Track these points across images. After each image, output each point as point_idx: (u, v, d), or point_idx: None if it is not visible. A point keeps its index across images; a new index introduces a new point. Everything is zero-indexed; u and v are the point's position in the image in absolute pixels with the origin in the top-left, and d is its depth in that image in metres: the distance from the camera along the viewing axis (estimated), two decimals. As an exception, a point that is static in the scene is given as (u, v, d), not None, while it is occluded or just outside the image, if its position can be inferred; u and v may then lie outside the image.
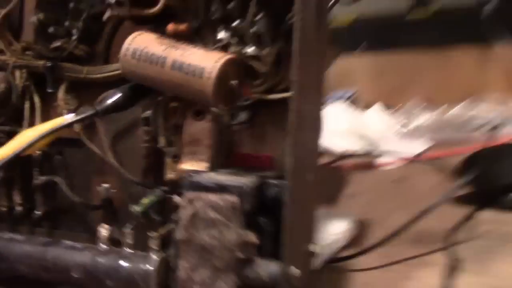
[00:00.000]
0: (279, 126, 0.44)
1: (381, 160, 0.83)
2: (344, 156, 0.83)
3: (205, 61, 0.38)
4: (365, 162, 0.83)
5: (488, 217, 0.60)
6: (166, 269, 0.40)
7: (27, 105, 0.49)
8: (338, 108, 0.94)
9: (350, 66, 1.10)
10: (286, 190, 0.36)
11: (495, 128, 0.67)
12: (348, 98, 1.08)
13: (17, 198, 0.51)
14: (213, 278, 0.35)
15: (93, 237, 0.47)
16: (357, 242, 0.56)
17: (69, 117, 0.44)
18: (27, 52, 0.49)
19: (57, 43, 0.47)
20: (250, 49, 0.41)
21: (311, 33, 0.37)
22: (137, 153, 0.47)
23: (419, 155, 0.83)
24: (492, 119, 0.89)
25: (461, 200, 0.65)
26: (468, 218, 0.60)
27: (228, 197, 0.35)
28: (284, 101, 0.42)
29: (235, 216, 0.35)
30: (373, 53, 1.13)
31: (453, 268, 0.49)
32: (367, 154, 0.84)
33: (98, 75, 0.47)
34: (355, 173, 0.80)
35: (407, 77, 1.09)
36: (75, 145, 0.49)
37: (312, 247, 0.41)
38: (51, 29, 0.47)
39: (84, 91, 0.48)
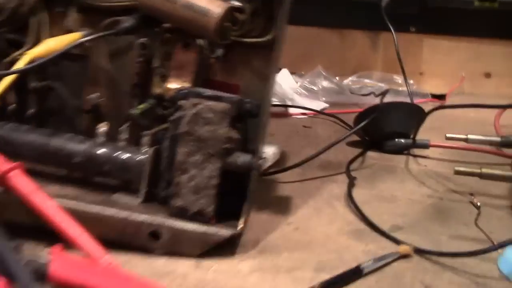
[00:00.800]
0: (246, 63, 0.58)
1: (291, 111, 1.01)
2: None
3: (210, 5, 0.51)
4: (279, 111, 1.01)
5: (373, 155, 0.80)
6: (158, 159, 0.53)
7: (35, 20, 0.58)
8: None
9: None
10: (259, 106, 0.51)
11: (383, 93, 0.87)
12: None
13: (11, 97, 0.59)
14: (204, 161, 0.49)
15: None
16: (279, 165, 0.73)
17: (83, 33, 0.54)
18: (38, -26, 0.57)
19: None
20: (236, 2, 0.55)
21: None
22: (129, 71, 0.58)
23: (321, 110, 1.02)
24: (376, 90, 1.11)
25: (354, 144, 0.84)
26: (359, 155, 0.79)
27: (222, 104, 0.49)
28: (252, 45, 0.57)
29: (225, 118, 0.49)
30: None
31: (351, 184, 0.67)
32: (281, 105, 1.01)
33: (106, 3, 0.57)
34: (272, 119, 0.97)
35: (311, 48, 1.27)
36: (70, 58, 0.59)
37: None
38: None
39: (88, 16, 0.58)
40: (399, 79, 1.14)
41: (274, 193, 0.65)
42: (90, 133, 0.57)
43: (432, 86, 1.24)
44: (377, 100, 0.91)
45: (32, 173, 0.52)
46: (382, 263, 0.49)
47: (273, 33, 0.55)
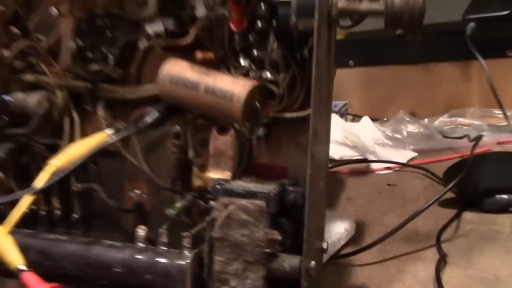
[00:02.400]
0: (292, 140, 0.51)
1: (373, 167, 0.90)
2: (341, 163, 0.91)
3: (234, 86, 0.44)
4: (360, 168, 0.91)
5: (470, 217, 0.68)
6: (199, 263, 0.47)
7: (67, 121, 0.55)
8: (332, 119, 1.01)
9: (341, 79, 1.18)
10: (305, 195, 0.43)
11: (477, 138, 0.75)
12: (340, 109, 1.15)
13: (55, 203, 0.57)
14: (244, 270, 0.42)
15: (125, 239, 0.53)
16: (356, 241, 0.63)
17: (109, 132, 0.51)
18: (66, 74, 0.55)
19: (95, 67, 0.54)
20: (268, 75, 0.49)
21: (324, 65, 0.43)
22: (166, 163, 0.53)
23: (407, 162, 0.90)
24: (472, 130, 0.97)
25: (447, 203, 0.72)
26: (454, 219, 0.67)
27: (256, 201, 0.42)
28: (296, 119, 0.50)
29: (262, 218, 0.42)
30: (361, 67, 1.21)
31: (441, 262, 0.56)
32: (361, 161, 0.92)
33: (133, 95, 0.53)
34: (351, 178, 0.87)
35: (393, 90, 1.16)
36: (108, 155, 0.55)
37: (322, 244, 0.48)
38: (89, 54, 0.54)
39: (118, 109, 0.55)
40: (499, 112, 0.99)
41: (347, 282, 0.56)
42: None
43: (543, 114, 1.07)
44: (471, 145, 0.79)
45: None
46: None
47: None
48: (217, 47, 0.49)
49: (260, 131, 0.51)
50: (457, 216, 0.68)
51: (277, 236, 0.42)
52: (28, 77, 0.55)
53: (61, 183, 0.56)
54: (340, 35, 1.19)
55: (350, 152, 0.94)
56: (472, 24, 1.01)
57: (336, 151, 0.92)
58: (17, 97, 0.55)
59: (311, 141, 0.42)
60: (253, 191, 0.43)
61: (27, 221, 0.52)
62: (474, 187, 0.68)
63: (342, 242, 0.61)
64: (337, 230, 0.61)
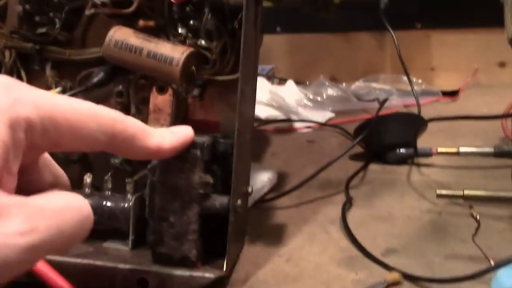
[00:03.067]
0: (223, 100, 0.59)
1: (296, 126, 1.00)
2: (266, 122, 1.00)
3: (173, 52, 0.51)
4: (283, 127, 1.00)
5: (375, 168, 0.79)
6: (141, 205, 0.54)
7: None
8: (260, 82, 1.09)
9: (268, 45, 1.26)
10: (233, 146, 0.51)
11: (383, 101, 0.85)
12: (267, 73, 1.24)
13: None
14: (182, 208, 0.50)
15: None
16: (277, 189, 0.73)
17: (58, 90, 0.56)
18: (14, 35, 0.59)
19: (42, 30, 0.58)
20: (203, 42, 0.56)
21: (251, 35, 0.51)
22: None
23: (326, 122, 1.01)
24: (383, 94, 1.09)
25: (357, 156, 0.83)
26: (361, 169, 0.78)
27: (193, 150, 0.50)
28: (227, 81, 0.57)
29: (197, 164, 0.49)
30: (287, 34, 1.29)
31: (347, 204, 0.67)
32: (285, 120, 1.01)
33: (78, 57, 0.58)
34: (276, 136, 0.97)
35: (316, 56, 1.26)
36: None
37: (247, 188, 0.57)
38: (37, 18, 0.58)
39: (64, 69, 0.60)
40: (406, 79, 1.11)
41: (269, 221, 0.65)
42: (80, 184, 0.58)
43: (445, 80, 1.21)
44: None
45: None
46: (369, 295, 0.48)
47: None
48: (157, 17, 0.55)
49: (195, 91, 0.58)
50: (364, 167, 0.79)
51: (209, 179, 0.50)
52: (-24, 37, 0.59)
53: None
54: (268, 3, 1.27)
55: (275, 113, 1.03)
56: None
57: (262, 112, 1.01)
58: (-35, 56, 0.59)
59: (239, 100, 0.50)
60: (190, 141, 0.50)
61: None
62: (379, 143, 0.80)
63: (266, 189, 0.70)
64: (261, 179, 0.70)
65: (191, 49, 0.52)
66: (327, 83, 1.11)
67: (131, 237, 0.54)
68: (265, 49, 1.31)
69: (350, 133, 0.93)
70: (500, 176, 0.69)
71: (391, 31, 1.05)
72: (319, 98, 1.09)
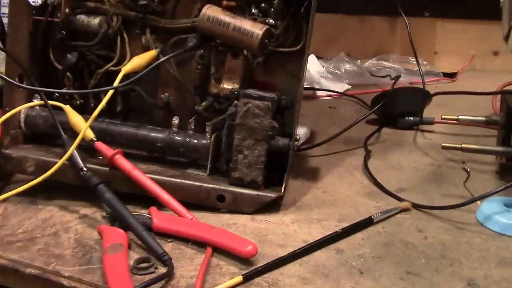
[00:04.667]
0: (282, 67, 0.75)
1: (318, 94, 1.18)
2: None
3: (254, 28, 0.68)
4: (308, 94, 1.18)
5: (387, 132, 0.97)
6: (217, 143, 0.71)
7: (119, 39, 0.76)
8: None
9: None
10: (293, 102, 0.68)
11: (396, 77, 1.02)
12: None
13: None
14: (254, 144, 0.67)
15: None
16: (310, 141, 0.91)
17: (158, 50, 0.73)
18: (119, 4, 0.75)
19: (143, 2, 0.74)
20: (271, 21, 0.72)
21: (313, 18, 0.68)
22: (190, 76, 0.76)
23: (344, 92, 1.18)
24: (392, 71, 1.27)
25: (372, 122, 1.01)
26: (376, 132, 0.96)
27: (266, 102, 0.67)
28: (286, 52, 0.74)
29: (268, 112, 0.67)
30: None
31: (367, 156, 0.85)
32: (309, 89, 1.18)
33: (171, 25, 0.75)
34: (302, 101, 1.14)
35: (335, 35, 1.43)
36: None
37: (296, 136, 0.74)
38: (140, -7, 0.74)
39: (159, 35, 0.76)
40: (414, 60, 1.29)
41: (306, 165, 0.83)
42: (164, 124, 0.75)
43: (446, 63, 1.39)
44: (392, 82, 1.07)
45: (126, 155, 0.72)
46: (388, 215, 0.66)
47: (302, 43, 0.71)
48: (236, -1, 0.72)
49: (260, 58, 0.75)
50: (378, 130, 0.97)
51: (276, 124, 0.67)
52: (90, 4, 0.75)
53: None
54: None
55: (300, 82, 1.20)
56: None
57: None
58: (82, 19, 0.75)
59: (303, 68, 0.67)
60: (263, 95, 0.67)
61: (80, 111, 0.73)
62: (391, 111, 0.97)
63: (302, 141, 0.88)
64: (299, 132, 0.88)
65: (267, 26, 0.69)
66: (346, 59, 1.28)
67: (209, 166, 0.71)
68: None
69: (364, 102, 1.10)
70: (488, 142, 0.88)
71: (404, 17, 1.22)
72: (338, 72, 1.27)
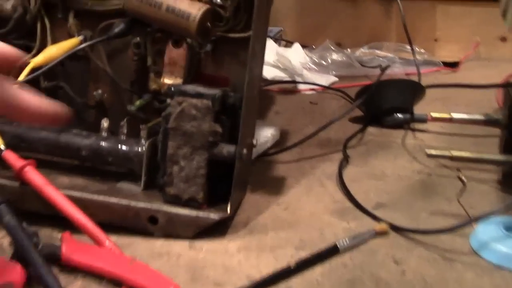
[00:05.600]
0: (233, 56, 0.62)
1: (300, 87, 1.04)
2: (272, 82, 1.04)
3: (191, 8, 0.55)
4: (288, 88, 1.04)
5: (372, 131, 0.83)
6: (153, 150, 0.58)
7: (39, 26, 0.63)
8: (267, 44, 1.12)
9: (278, 7, 1.28)
10: (242, 99, 0.55)
11: (384, 68, 0.89)
12: (275, 35, 1.26)
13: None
14: (192, 154, 0.54)
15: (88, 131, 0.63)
16: (280, 144, 0.77)
17: (80, 38, 0.60)
18: (39, -16, 0.63)
19: (66, -20, 0.61)
20: (218, 0, 0.59)
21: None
22: (126, 69, 0.63)
23: (329, 85, 1.05)
24: (386, 61, 1.12)
25: (356, 119, 0.87)
26: (359, 131, 0.82)
27: (204, 101, 0.54)
28: (238, 39, 0.61)
29: (208, 114, 0.54)
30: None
31: (344, 162, 0.71)
32: (290, 82, 1.05)
33: (100, 8, 0.62)
34: (280, 95, 1.01)
35: (324, 20, 1.29)
36: (74, 59, 0.64)
37: (252, 140, 0.61)
38: (62, -31, 0.61)
39: (85, 19, 0.63)
40: (409, 49, 1.14)
41: (271, 173, 0.70)
42: (97, 126, 0.63)
43: (448, 51, 1.24)
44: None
45: (48, 164, 0.59)
46: (358, 241, 0.53)
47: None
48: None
49: (208, 47, 0.62)
50: (362, 129, 0.83)
51: (218, 128, 0.54)
52: (3, -16, 0.62)
53: (32, 80, 0.65)
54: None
55: (281, 74, 1.07)
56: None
57: (269, 72, 1.05)
58: (-7, 2, 0.62)
59: (250, 56, 0.54)
60: (202, 93, 0.54)
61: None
62: (378, 107, 0.84)
63: (268, 145, 0.75)
64: (265, 135, 0.75)
65: (207, 6, 0.56)
66: (332, 48, 1.14)
67: (143, 178, 0.58)
68: (273, 12, 1.34)
69: (351, 96, 0.97)
70: (489, 144, 0.74)
71: (398, 1, 1.07)
72: (323, 62, 1.13)
